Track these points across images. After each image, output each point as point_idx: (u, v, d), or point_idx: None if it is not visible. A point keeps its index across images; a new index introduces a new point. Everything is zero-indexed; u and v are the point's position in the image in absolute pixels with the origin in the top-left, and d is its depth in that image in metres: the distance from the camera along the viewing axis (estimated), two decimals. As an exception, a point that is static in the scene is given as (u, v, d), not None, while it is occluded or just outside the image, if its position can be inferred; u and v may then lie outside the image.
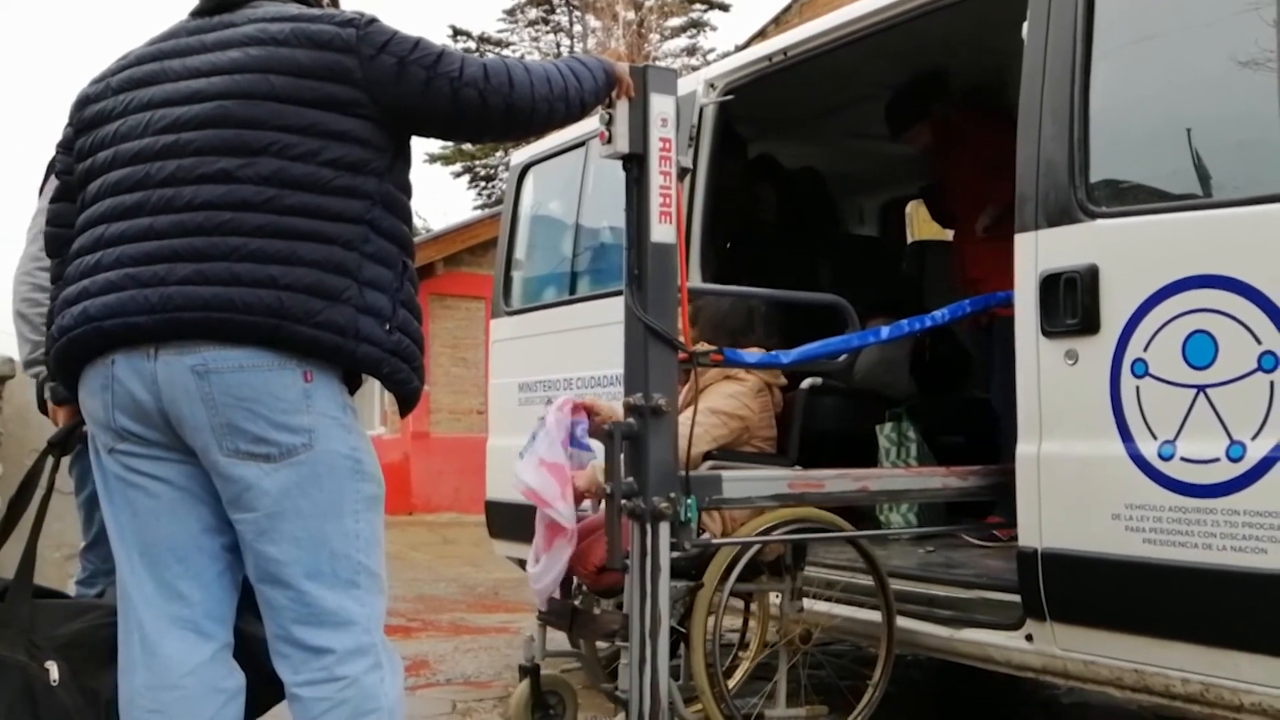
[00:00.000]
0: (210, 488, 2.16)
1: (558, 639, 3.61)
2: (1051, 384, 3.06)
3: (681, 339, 2.88)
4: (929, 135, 4.68)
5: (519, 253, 5.66)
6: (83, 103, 2.31)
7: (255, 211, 2.07)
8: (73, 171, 2.29)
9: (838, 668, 3.74)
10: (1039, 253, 3.09)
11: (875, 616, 3.49)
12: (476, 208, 27.96)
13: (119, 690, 2.17)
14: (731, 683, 3.59)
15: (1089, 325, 2.94)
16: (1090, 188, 3.02)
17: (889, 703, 3.47)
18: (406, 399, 2.29)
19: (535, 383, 5.05)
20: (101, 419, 2.15)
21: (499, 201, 24.78)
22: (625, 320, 2.89)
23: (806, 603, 3.45)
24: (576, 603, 3.53)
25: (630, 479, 2.85)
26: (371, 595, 2.21)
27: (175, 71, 2.20)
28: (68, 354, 2.17)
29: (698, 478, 2.90)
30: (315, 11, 2.24)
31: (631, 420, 2.87)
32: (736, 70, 4.44)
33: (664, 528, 2.84)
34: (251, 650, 2.26)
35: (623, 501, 2.83)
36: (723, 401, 3.44)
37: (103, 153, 2.21)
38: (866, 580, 3.51)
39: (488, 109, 2.23)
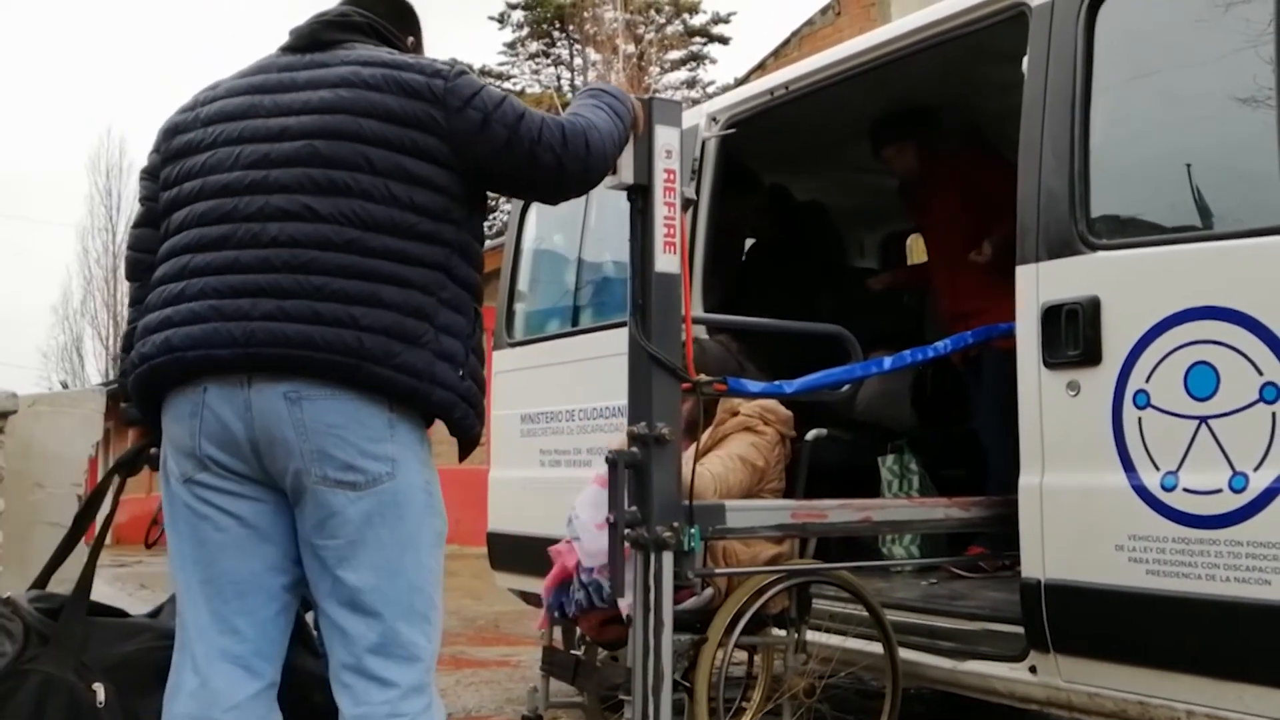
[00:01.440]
0: (280, 527, 2.18)
1: (562, 689, 3.62)
2: (1053, 415, 3.07)
3: (685, 368, 2.89)
4: (913, 158, 4.70)
5: (522, 284, 5.68)
6: (171, 131, 2.34)
7: (338, 251, 2.10)
8: (157, 199, 2.31)
9: (841, 701, 3.73)
10: (1040, 284, 3.11)
11: (880, 649, 3.49)
12: (477, 240, 28.08)
13: (163, 713, 2.18)
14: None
15: (1091, 356, 2.96)
16: (1091, 220, 3.04)
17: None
18: (470, 444, 2.32)
19: (538, 414, 5.05)
20: (187, 446, 2.16)
21: (501, 232, 24.88)
22: (629, 349, 2.91)
23: (817, 636, 3.45)
24: (580, 654, 3.55)
25: (634, 508, 2.86)
26: (437, 632, 2.24)
27: (266, 108, 2.23)
28: (148, 382, 2.19)
29: (701, 507, 2.90)
30: (408, 59, 2.28)
31: (635, 449, 2.88)
32: (739, 104, 4.47)
33: (667, 557, 2.84)
34: (299, 683, 2.29)
35: (626, 530, 2.84)
36: (746, 450, 3.48)
37: (190, 183, 2.23)
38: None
39: (564, 173, 2.29)
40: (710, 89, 24.34)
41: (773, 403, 3.54)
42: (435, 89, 2.19)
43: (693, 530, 2.86)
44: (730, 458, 3.42)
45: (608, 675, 3.37)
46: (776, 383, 3.20)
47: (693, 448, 3.25)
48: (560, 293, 5.48)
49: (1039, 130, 3.16)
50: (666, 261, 2.86)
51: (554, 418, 4.97)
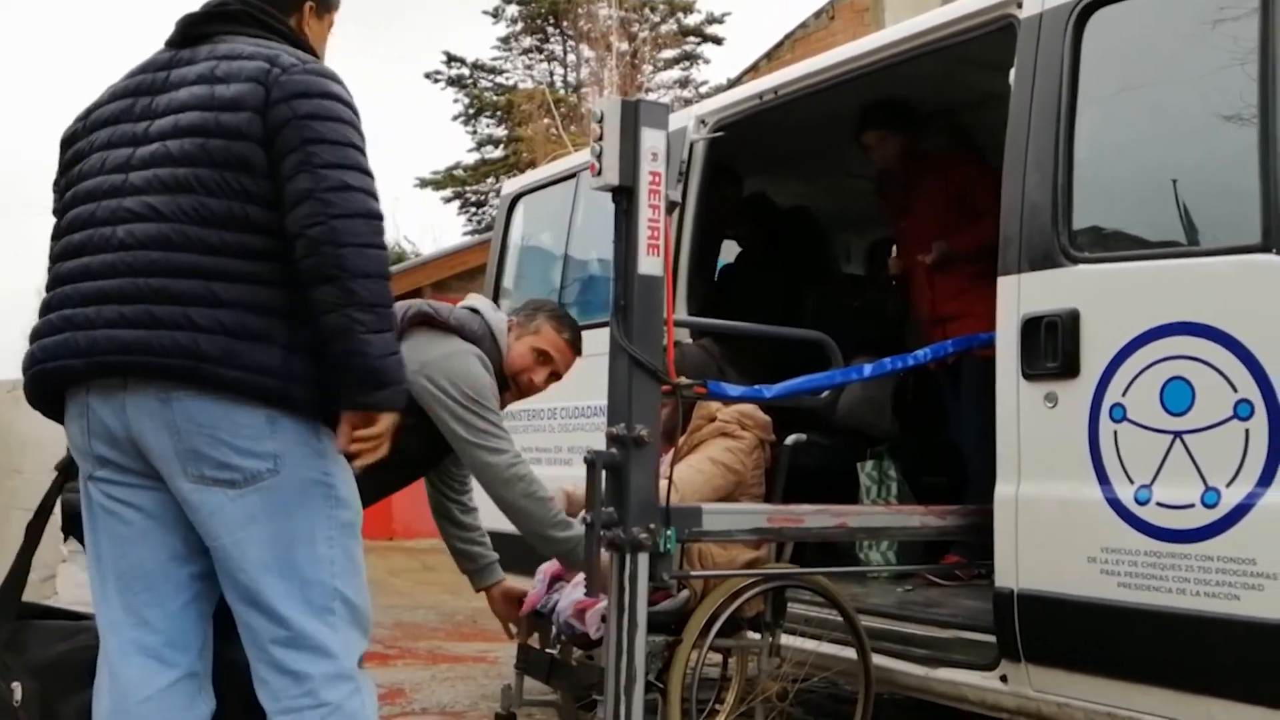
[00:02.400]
0: (182, 516, 2.16)
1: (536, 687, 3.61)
2: (1031, 426, 3.08)
3: (665, 370, 2.89)
4: (894, 151, 4.65)
5: (508, 281, 5.68)
6: (66, 142, 2.35)
7: (178, 251, 2.07)
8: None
9: (813, 705, 3.74)
10: (1021, 296, 3.12)
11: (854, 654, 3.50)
12: (467, 233, 28.03)
13: (92, 712, 2.17)
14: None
15: (1069, 369, 2.97)
16: (1073, 233, 3.06)
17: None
18: (388, 412, 2.17)
19: (521, 411, 5.04)
20: (80, 445, 2.18)
21: (489, 227, 24.81)
22: (610, 350, 2.91)
23: (794, 640, 3.45)
24: (555, 653, 3.54)
25: (610, 509, 2.86)
26: (345, 624, 2.19)
27: (136, 112, 2.23)
28: (32, 392, 2.23)
29: (678, 509, 2.90)
30: (268, 50, 2.20)
31: (614, 450, 2.88)
32: (728, 107, 4.48)
33: (643, 559, 2.85)
34: (232, 678, 2.25)
35: (603, 531, 2.84)
36: (722, 454, 3.45)
37: (69, 191, 2.25)
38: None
39: (320, 249, 2.07)
40: (703, 89, 24.32)
41: (751, 407, 3.54)
42: (270, 75, 2.13)
43: (669, 532, 2.86)
44: (705, 462, 3.41)
45: (582, 675, 3.37)
46: (756, 387, 3.20)
47: (670, 452, 3.24)
48: (546, 291, 5.48)
49: (1024, 141, 3.17)
50: (650, 264, 2.87)
51: (536, 415, 4.97)
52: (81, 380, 2.13)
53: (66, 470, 2.46)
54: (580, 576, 3.20)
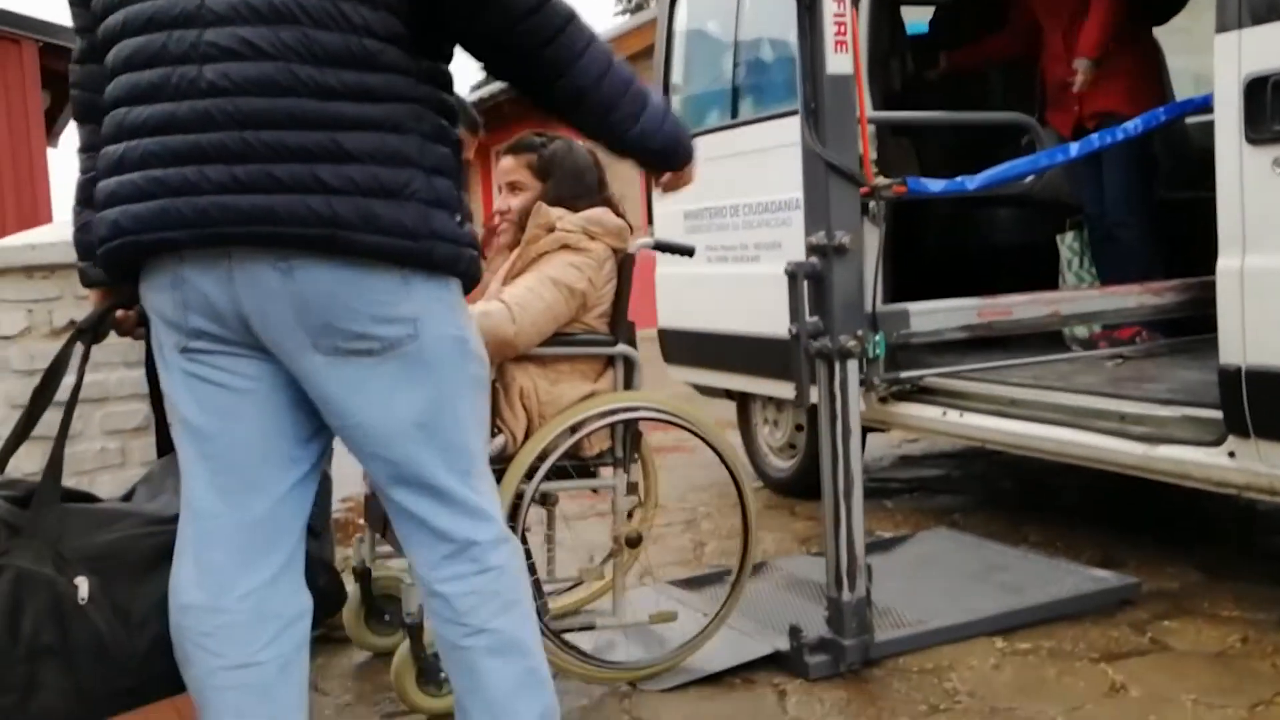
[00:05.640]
0: (294, 391, 1.90)
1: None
2: (1256, 195, 2.89)
3: (862, 173, 2.80)
4: None
5: (676, 75, 5.53)
6: None
7: (289, 96, 1.73)
8: (94, 29, 1.90)
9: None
10: (1243, 53, 2.88)
11: (1051, 432, 3.43)
12: (618, 13, 27.42)
13: (169, 610, 1.92)
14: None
15: (1301, 130, 2.76)
16: (1303, -21, 2.79)
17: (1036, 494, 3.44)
18: (473, 287, 2.03)
19: (701, 210, 5.01)
20: (172, 318, 1.85)
21: (640, 7, 24.06)
22: (803, 157, 2.83)
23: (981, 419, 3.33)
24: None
25: (815, 319, 2.84)
26: (487, 480, 2.03)
27: None
28: (114, 263, 1.87)
29: (884, 313, 2.87)
30: None
31: (814, 260, 2.84)
32: None
33: (852, 365, 2.83)
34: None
35: (810, 342, 2.83)
36: (564, 273, 2.81)
37: (113, 16, 1.83)
38: (1051, 398, 3.46)
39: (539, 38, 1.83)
40: None
41: (600, 212, 2.93)
42: None
43: (877, 338, 2.83)
44: (545, 284, 2.78)
45: None
46: (958, 179, 3.07)
47: (500, 272, 2.90)
48: (718, 81, 5.33)
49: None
50: (839, 62, 2.75)
51: (718, 214, 4.92)
52: (176, 250, 1.80)
53: (94, 332, 2.10)
54: None
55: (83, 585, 1.92)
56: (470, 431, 1.97)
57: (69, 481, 2.01)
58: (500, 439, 2.75)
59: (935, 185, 3.03)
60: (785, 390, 4.60)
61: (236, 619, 1.89)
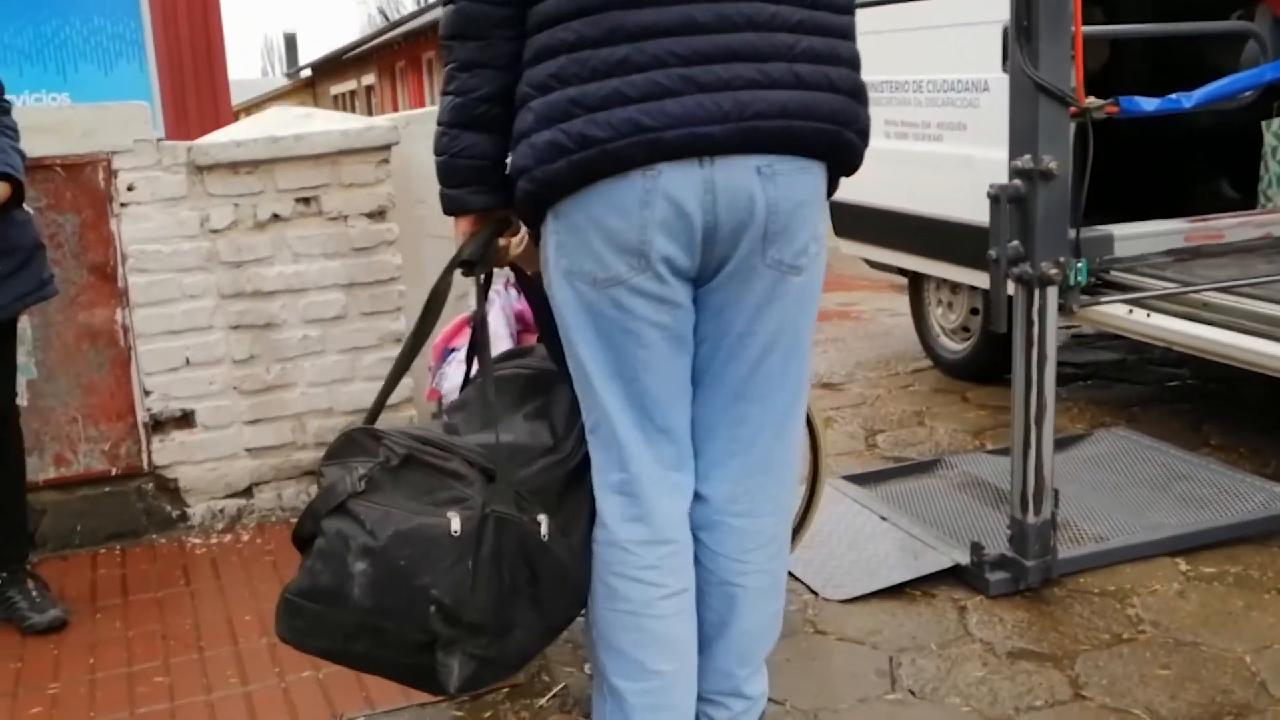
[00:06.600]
0: (691, 333, 1.94)
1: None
2: None
3: (1074, 94, 2.69)
4: None
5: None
6: None
7: (794, 5, 1.81)
8: None
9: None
10: None
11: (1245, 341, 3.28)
12: None
13: (598, 547, 1.99)
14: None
15: None
16: None
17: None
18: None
19: (882, 83, 4.86)
20: (629, 241, 1.80)
21: None
22: (1010, 76, 2.73)
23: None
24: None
25: (1016, 243, 2.78)
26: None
27: None
28: (590, 169, 1.78)
29: (1088, 238, 2.79)
30: None
31: (1018, 182, 2.77)
32: None
33: (1051, 292, 2.78)
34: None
35: (1010, 268, 2.78)
36: None
37: None
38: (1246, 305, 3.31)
39: None
40: None
41: None
42: None
43: (1080, 264, 2.77)
44: None
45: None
46: (1174, 96, 2.93)
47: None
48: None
49: None
50: (1057, -22, 2.62)
51: (899, 88, 4.77)
52: (668, 156, 1.77)
53: (480, 261, 2.00)
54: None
55: (544, 522, 1.94)
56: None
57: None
58: None
59: (1149, 104, 2.88)
60: (961, 274, 4.56)
61: (679, 548, 1.99)
